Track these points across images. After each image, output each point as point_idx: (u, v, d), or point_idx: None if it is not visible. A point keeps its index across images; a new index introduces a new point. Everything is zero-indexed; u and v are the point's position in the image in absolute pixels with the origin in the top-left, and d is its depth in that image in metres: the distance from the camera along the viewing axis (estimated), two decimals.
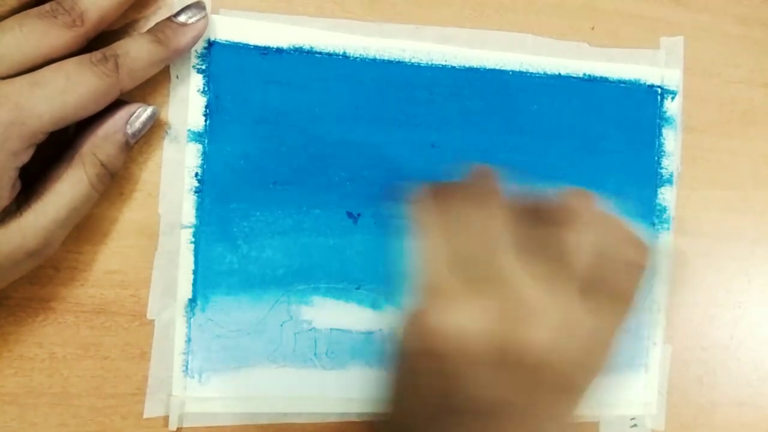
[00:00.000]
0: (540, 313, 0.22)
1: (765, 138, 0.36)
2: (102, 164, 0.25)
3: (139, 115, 0.26)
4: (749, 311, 0.36)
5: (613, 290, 0.24)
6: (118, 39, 0.25)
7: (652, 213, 0.34)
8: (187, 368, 0.29)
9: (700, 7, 0.35)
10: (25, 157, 0.23)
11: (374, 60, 0.30)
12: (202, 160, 0.29)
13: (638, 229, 0.25)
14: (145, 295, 0.28)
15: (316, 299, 0.30)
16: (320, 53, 0.30)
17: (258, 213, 0.29)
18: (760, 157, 0.36)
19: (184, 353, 0.28)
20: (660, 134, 0.34)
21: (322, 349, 0.30)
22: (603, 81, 0.33)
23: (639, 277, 0.24)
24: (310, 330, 0.30)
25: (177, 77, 0.28)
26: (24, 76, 0.23)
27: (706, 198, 0.35)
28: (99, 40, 0.25)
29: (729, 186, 0.36)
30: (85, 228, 0.27)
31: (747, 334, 0.36)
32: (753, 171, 0.36)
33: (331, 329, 0.30)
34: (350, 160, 0.30)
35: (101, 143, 0.25)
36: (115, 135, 0.26)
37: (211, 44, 0.28)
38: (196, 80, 0.28)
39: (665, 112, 0.34)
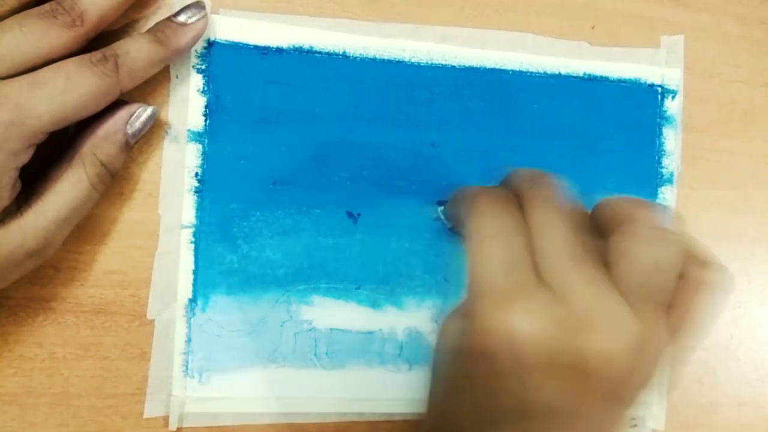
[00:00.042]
0: (599, 322, 0.22)
1: (765, 138, 0.36)
2: (102, 164, 0.25)
3: (139, 115, 0.26)
4: (749, 311, 0.36)
5: (670, 307, 0.23)
6: (118, 39, 0.25)
7: None
8: (187, 368, 0.29)
9: (700, 7, 0.35)
10: (25, 157, 0.23)
11: (374, 60, 0.30)
12: (202, 160, 0.29)
13: (704, 247, 0.24)
14: (145, 295, 0.28)
15: (316, 299, 0.30)
16: (320, 53, 0.30)
17: (258, 213, 0.29)
18: (760, 157, 0.36)
19: (184, 353, 0.28)
20: (660, 134, 0.34)
21: (322, 349, 0.30)
22: (603, 80, 0.33)
23: (700, 295, 0.24)
24: (310, 330, 0.30)
25: (177, 77, 0.28)
26: (24, 76, 0.23)
27: (706, 198, 0.35)
28: (99, 40, 0.25)
29: (729, 186, 0.36)
30: (85, 228, 0.27)
31: (747, 334, 0.36)
32: (753, 171, 0.36)
33: (331, 329, 0.30)
34: (350, 160, 0.30)
35: (101, 143, 0.25)
36: (115, 135, 0.26)
37: (211, 44, 0.28)
38: (196, 80, 0.28)
39: (665, 111, 0.34)
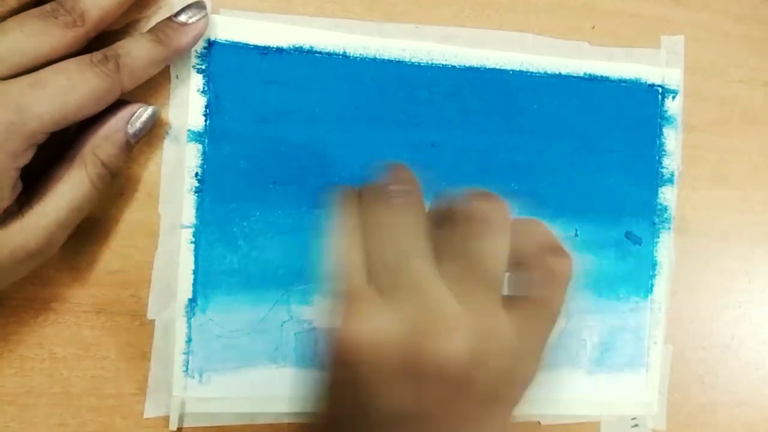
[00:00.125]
0: (456, 323, 0.21)
1: (765, 138, 0.36)
2: (103, 164, 0.25)
3: (139, 115, 0.26)
4: (750, 311, 0.36)
5: (535, 299, 0.23)
6: (119, 39, 0.25)
7: (652, 212, 0.34)
8: (187, 368, 0.29)
9: (700, 7, 0.35)
10: (25, 158, 0.23)
11: (374, 60, 0.30)
12: (202, 160, 0.29)
13: (557, 234, 0.24)
14: (145, 295, 0.28)
15: (316, 299, 0.30)
16: (320, 53, 0.30)
17: (258, 213, 0.29)
18: (760, 157, 0.36)
19: (184, 353, 0.28)
20: (661, 133, 0.34)
21: (323, 349, 0.30)
22: (603, 80, 0.33)
23: (561, 284, 0.23)
24: (310, 330, 0.30)
25: (177, 77, 0.28)
26: (25, 76, 0.23)
27: (707, 197, 0.35)
28: (99, 40, 0.25)
29: (729, 185, 0.36)
30: (85, 228, 0.27)
31: (748, 334, 0.36)
32: (753, 171, 0.36)
33: None
34: (350, 160, 0.30)
35: (102, 143, 0.25)
36: (115, 135, 0.26)
37: (211, 44, 0.28)
38: (196, 80, 0.28)
39: (666, 111, 0.34)
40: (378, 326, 0.21)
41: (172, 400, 0.28)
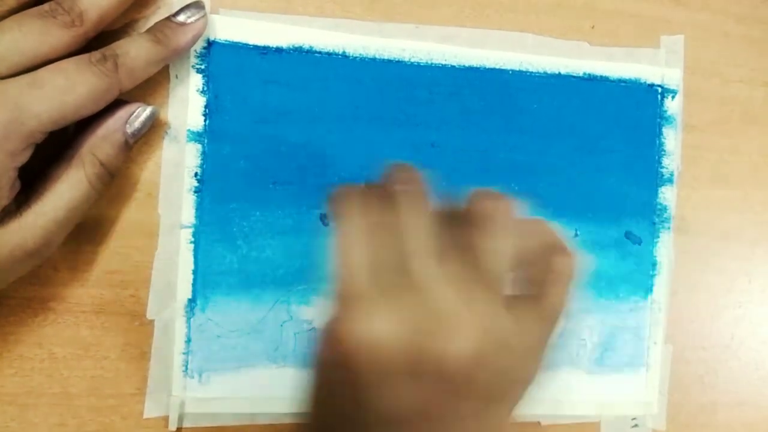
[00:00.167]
0: (457, 323, 0.21)
1: (765, 138, 0.36)
2: (101, 164, 0.25)
3: (138, 114, 0.26)
4: (750, 311, 0.36)
5: (538, 298, 0.23)
6: (118, 39, 0.25)
7: (652, 212, 0.34)
8: (187, 368, 0.28)
9: (700, 7, 0.35)
10: (24, 157, 0.23)
11: (374, 60, 0.30)
12: (202, 160, 0.29)
13: (561, 233, 0.24)
14: (145, 295, 0.28)
15: (316, 299, 0.30)
16: (320, 53, 0.30)
17: (258, 213, 0.29)
18: (760, 157, 0.36)
19: (184, 353, 0.28)
20: (660, 133, 0.34)
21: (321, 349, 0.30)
22: (603, 80, 0.33)
23: (564, 283, 0.24)
24: (310, 330, 0.30)
25: (176, 77, 0.28)
26: (23, 76, 0.23)
27: (707, 197, 0.35)
28: (99, 40, 0.25)
29: (729, 185, 0.36)
30: (85, 228, 0.27)
31: (748, 334, 0.36)
32: (753, 171, 0.36)
33: None
34: (350, 160, 0.30)
35: (101, 143, 0.25)
36: (114, 135, 0.26)
37: (210, 44, 0.28)
38: (196, 80, 0.28)
39: (666, 111, 0.34)
40: (379, 326, 0.21)
41: (172, 400, 0.28)
